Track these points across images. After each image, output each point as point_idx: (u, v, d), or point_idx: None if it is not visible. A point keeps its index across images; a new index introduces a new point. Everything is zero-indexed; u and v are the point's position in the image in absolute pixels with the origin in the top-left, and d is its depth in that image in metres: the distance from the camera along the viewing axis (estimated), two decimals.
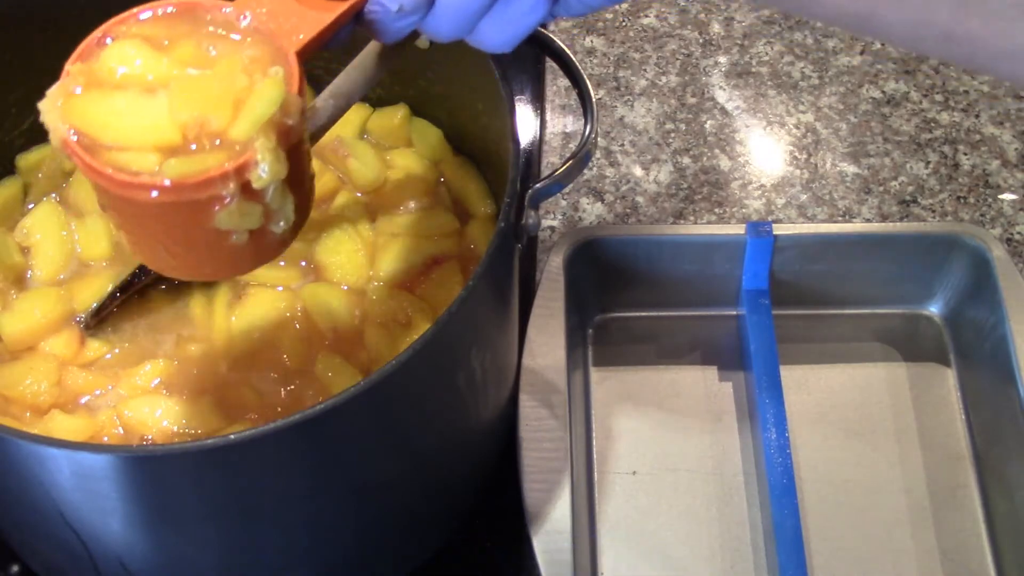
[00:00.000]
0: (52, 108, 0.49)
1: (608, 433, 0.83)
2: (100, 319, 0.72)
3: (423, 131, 0.81)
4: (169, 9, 0.51)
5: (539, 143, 0.98)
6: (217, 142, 0.48)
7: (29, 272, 0.74)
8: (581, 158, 0.67)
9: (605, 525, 0.79)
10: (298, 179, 0.52)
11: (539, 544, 0.72)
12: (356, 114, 0.81)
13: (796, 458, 0.80)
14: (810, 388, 0.85)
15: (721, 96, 1.02)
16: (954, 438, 0.83)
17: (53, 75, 0.78)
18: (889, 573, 0.77)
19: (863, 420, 0.83)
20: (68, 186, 0.77)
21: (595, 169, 0.96)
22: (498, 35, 0.52)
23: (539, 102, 1.00)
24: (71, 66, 0.50)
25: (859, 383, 0.85)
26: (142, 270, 0.72)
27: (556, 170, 0.67)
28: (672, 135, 0.99)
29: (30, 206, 0.78)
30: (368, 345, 0.70)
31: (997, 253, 0.82)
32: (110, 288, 0.72)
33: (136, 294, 0.72)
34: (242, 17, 0.51)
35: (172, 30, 0.51)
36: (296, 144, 0.51)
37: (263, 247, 0.54)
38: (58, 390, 0.69)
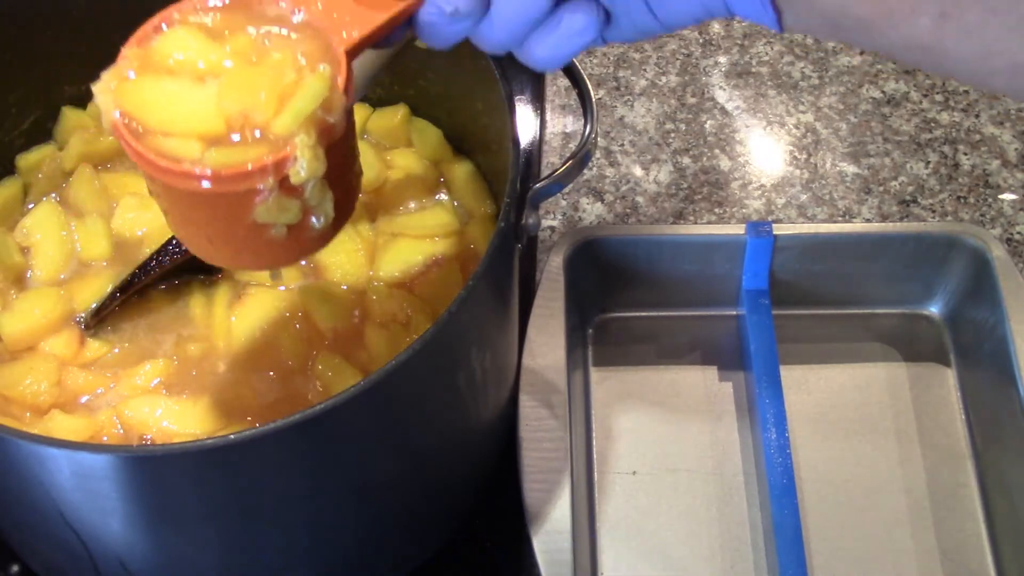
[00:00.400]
0: (105, 90, 0.50)
1: (608, 433, 0.83)
2: (100, 319, 0.72)
3: (423, 131, 0.81)
4: (225, 1, 0.52)
5: (539, 143, 0.98)
6: (258, 135, 0.49)
7: (29, 272, 0.74)
8: (581, 158, 0.67)
9: (605, 525, 0.79)
10: (339, 176, 0.52)
11: (539, 544, 0.72)
12: (356, 114, 0.81)
13: (796, 458, 0.80)
14: (810, 388, 0.85)
15: (721, 96, 1.02)
16: (954, 438, 0.83)
17: (53, 75, 0.78)
18: (889, 573, 0.77)
19: (863, 420, 0.83)
20: (68, 186, 0.77)
21: (595, 169, 0.96)
22: (546, 52, 0.52)
23: (539, 102, 1.00)
24: (127, 50, 0.51)
25: (859, 383, 0.85)
26: (142, 270, 0.72)
27: (556, 170, 0.67)
28: (672, 135, 0.99)
29: (30, 206, 0.78)
30: (368, 345, 0.70)
31: (997, 253, 0.82)
32: (110, 288, 0.72)
33: (136, 294, 0.72)
34: (296, 11, 0.51)
35: (228, 21, 0.51)
36: (338, 141, 0.51)
37: (302, 241, 0.53)
38: (58, 390, 0.69)
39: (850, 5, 0.47)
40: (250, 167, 0.48)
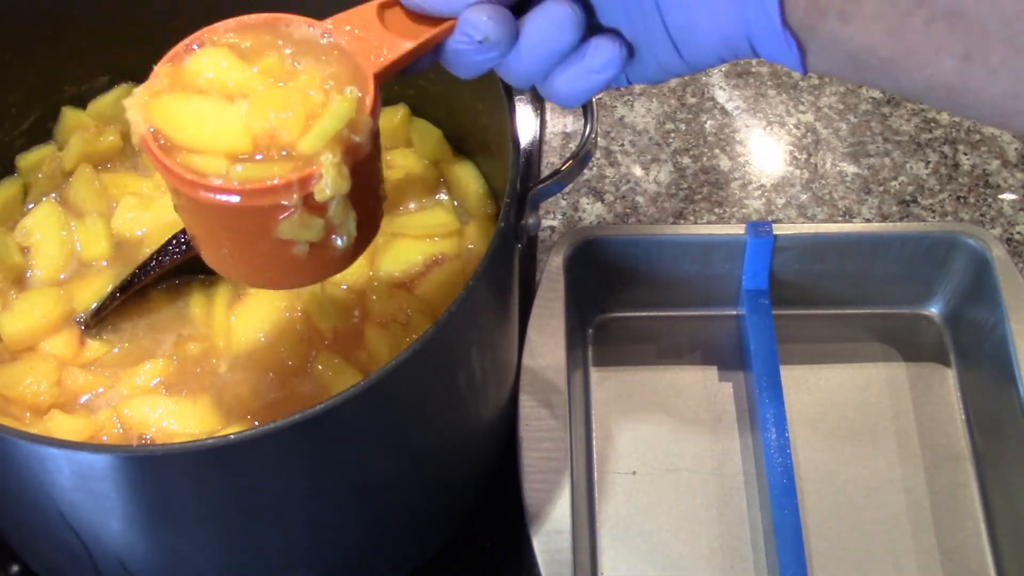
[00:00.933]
0: (136, 106, 0.51)
1: (608, 433, 0.83)
2: (100, 319, 0.72)
3: (423, 131, 0.81)
4: (254, 21, 0.53)
5: (539, 143, 0.98)
6: (284, 153, 0.50)
7: (29, 272, 0.74)
8: (581, 158, 0.67)
9: (605, 525, 0.79)
10: (363, 196, 0.53)
11: (539, 544, 0.72)
12: None
13: (796, 458, 0.80)
14: (810, 388, 0.85)
15: (721, 96, 1.02)
16: (954, 438, 0.83)
17: (53, 75, 0.78)
18: (889, 573, 0.77)
19: (863, 420, 0.83)
20: (68, 186, 0.77)
21: (595, 169, 0.96)
22: (568, 87, 0.53)
23: (539, 102, 1.00)
24: (160, 68, 0.52)
25: (859, 383, 0.85)
26: (142, 270, 0.72)
27: (556, 170, 0.67)
28: (672, 135, 0.99)
29: (30, 206, 0.78)
30: (368, 345, 0.70)
31: (997, 253, 0.82)
32: (110, 288, 0.72)
33: (136, 294, 0.72)
34: (324, 35, 0.52)
35: (259, 42, 0.53)
36: (364, 161, 0.52)
37: (325, 261, 0.55)
38: (58, 390, 0.69)
39: (875, 46, 0.47)
40: (276, 181, 0.49)
